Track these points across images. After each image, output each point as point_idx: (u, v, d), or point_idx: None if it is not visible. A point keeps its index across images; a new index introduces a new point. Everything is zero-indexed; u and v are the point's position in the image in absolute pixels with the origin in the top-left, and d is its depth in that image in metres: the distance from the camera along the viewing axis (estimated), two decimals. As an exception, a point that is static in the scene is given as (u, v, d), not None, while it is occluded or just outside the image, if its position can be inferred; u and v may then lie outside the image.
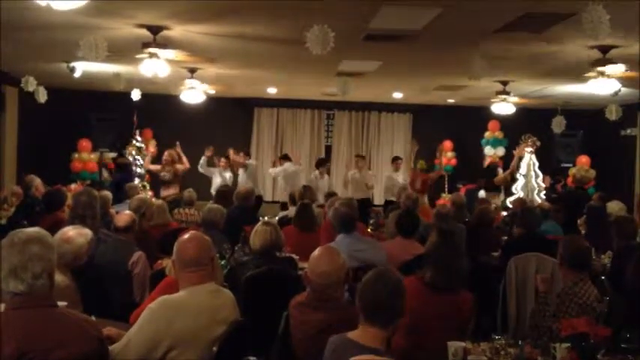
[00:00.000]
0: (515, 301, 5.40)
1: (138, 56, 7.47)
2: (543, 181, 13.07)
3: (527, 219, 6.34)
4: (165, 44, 7.31)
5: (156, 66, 7.40)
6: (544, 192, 12.86)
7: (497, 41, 7.36)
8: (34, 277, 2.46)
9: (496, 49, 7.83)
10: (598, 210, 7.61)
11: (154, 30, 7.09)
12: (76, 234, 4.11)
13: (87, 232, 4.20)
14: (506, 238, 7.20)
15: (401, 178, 11.70)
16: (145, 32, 7.13)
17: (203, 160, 11.82)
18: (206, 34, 7.42)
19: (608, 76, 7.56)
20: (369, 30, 7.02)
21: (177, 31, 7.21)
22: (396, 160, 12.18)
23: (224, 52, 8.54)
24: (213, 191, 10.62)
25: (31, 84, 9.81)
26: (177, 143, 11.05)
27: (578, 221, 7.78)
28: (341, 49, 6.90)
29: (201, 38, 7.58)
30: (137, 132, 12.49)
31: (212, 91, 11.12)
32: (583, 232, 7.46)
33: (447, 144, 14.63)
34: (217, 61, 9.04)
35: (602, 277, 5.35)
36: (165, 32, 7.18)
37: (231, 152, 11.89)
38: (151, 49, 7.25)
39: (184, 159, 10.81)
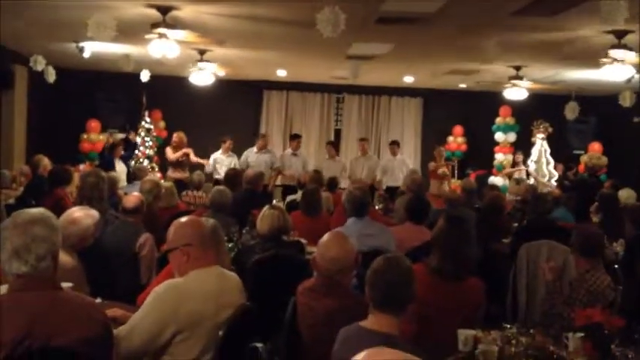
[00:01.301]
0: (526, 288, 5.35)
1: (147, 37, 7.39)
2: (555, 169, 12.96)
3: (539, 206, 6.28)
4: (174, 25, 7.23)
5: (165, 47, 7.32)
6: (555, 179, 12.75)
7: (511, 25, 7.24)
8: (38, 259, 2.42)
9: (510, 33, 7.71)
10: (610, 197, 7.52)
11: (163, 10, 7.01)
12: (82, 215, 4.08)
13: (94, 214, 4.17)
14: (516, 224, 7.14)
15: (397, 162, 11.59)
16: (154, 12, 7.06)
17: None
18: (216, 15, 7.34)
19: (623, 62, 7.43)
20: (381, 12, 6.91)
21: (186, 11, 7.13)
22: (392, 144, 11.98)
23: (234, 34, 8.45)
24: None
25: (39, 63, 9.78)
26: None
27: (590, 209, 7.70)
28: (352, 31, 6.80)
29: (210, 19, 7.50)
30: (146, 113, 12.44)
31: (221, 73, 11.04)
32: (594, 219, 7.40)
33: (458, 129, 14.52)
34: (227, 43, 8.95)
35: (616, 266, 5.30)
36: (174, 12, 7.10)
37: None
38: (160, 30, 7.16)
39: (200, 160, 10.78)
